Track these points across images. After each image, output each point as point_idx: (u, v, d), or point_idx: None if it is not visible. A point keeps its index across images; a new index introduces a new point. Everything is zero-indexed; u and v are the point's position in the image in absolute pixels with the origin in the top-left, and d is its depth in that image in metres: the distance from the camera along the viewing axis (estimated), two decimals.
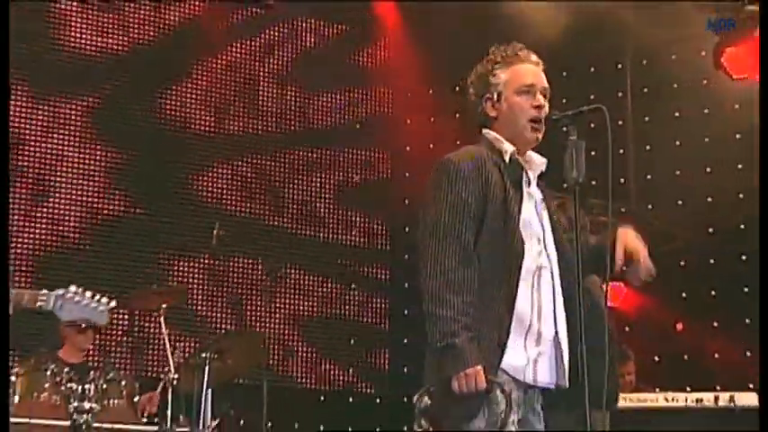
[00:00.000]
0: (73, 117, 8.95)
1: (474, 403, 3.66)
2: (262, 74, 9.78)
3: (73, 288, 3.72)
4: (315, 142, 9.84)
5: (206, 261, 8.43)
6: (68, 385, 6.11)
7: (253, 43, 9.76)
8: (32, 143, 8.77)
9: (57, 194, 8.81)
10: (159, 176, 9.19)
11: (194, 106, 9.44)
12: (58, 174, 8.83)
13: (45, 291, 3.71)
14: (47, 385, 6.16)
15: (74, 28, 9.14)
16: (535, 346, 3.79)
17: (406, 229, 9.53)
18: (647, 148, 8.33)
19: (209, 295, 8.51)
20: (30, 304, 3.71)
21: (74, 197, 8.83)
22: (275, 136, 9.74)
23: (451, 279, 3.71)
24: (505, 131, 3.94)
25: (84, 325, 6.54)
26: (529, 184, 3.95)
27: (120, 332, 7.11)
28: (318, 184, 9.79)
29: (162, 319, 6.43)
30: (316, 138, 9.88)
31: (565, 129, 3.83)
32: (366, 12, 9.69)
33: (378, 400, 9.27)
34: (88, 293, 3.74)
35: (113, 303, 3.83)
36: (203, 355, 6.36)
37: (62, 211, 8.73)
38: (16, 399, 6.08)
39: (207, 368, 6.29)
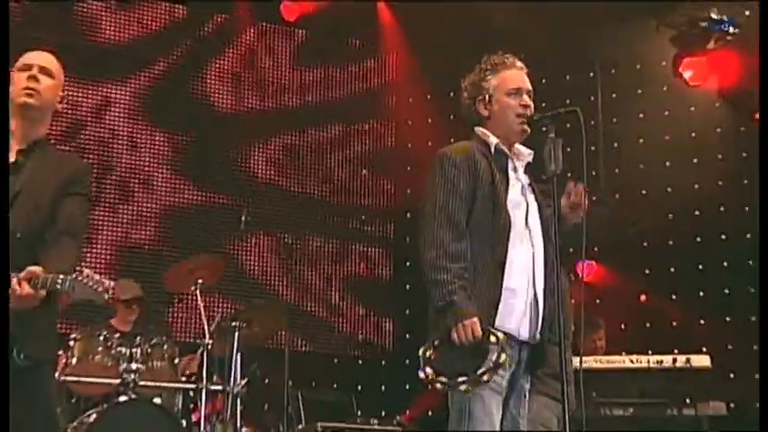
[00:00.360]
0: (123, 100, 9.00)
1: (471, 351, 3.69)
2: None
3: (86, 271, 3.69)
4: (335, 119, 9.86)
5: (234, 241, 8.42)
6: (118, 349, 6.12)
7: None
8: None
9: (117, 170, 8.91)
10: (203, 153, 9.24)
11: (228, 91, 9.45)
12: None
13: (61, 275, 3.65)
14: (100, 349, 6.15)
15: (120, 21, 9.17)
16: (521, 306, 3.85)
17: (408, 191, 9.62)
18: (615, 145, 8.35)
19: (238, 270, 8.53)
20: (51, 287, 3.67)
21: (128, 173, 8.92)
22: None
23: (447, 251, 3.77)
24: (497, 128, 3.99)
25: (130, 300, 6.65)
26: (515, 170, 4.01)
27: (162, 304, 7.11)
28: (337, 156, 9.80)
29: (198, 292, 6.42)
30: (336, 116, 9.89)
31: (544, 128, 3.89)
32: (373, 29, 9.62)
33: (383, 363, 9.28)
34: (96, 277, 3.70)
35: (113, 284, 3.75)
36: (233, 323, 6.38)
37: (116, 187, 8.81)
38: (74, 361, 6.06)
39: (236, 335, 6.31)
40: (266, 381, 7.02)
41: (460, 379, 3.72)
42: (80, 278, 3.66)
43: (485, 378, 3.70)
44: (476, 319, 3.67)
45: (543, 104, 4.12)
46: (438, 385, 3.76)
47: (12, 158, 3.82)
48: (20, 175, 3.80)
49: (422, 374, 3.77)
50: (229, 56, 9.55)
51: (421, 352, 3.78)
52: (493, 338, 3.71)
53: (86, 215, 4.10)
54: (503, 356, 3.69)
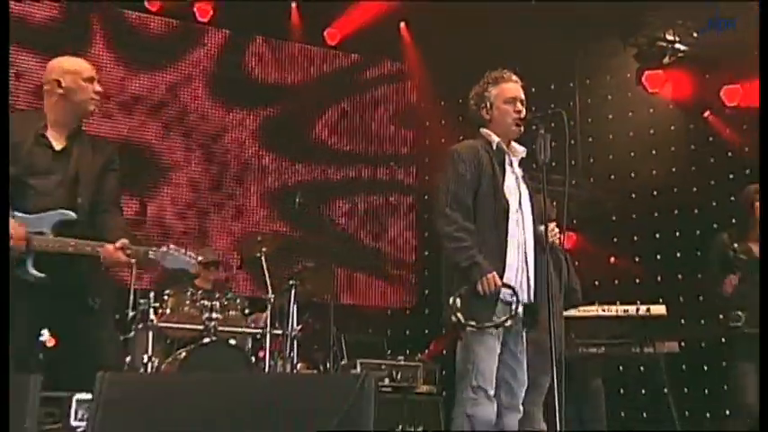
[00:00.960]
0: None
1: (492, 300, 3.76)
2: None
3: (172, 247, 3.76)
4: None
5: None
6: (201, 302, 6.18)
7: None
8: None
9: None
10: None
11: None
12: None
13: (154, 248, 3.72)
14: (187, 303, 6.26)
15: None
16: (517, 274, 3.90)
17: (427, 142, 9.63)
18: (590, 140, 8.34)
19: (294, 239, 8.54)
20: (144, 259, 3.75)
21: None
22: None
23: (460, 226, 3.82)
24: (497, 129, 4.03)
25: (210, 264, 6.73)
26: (511, 164, 4.06)
27: (236, 267, 7.17)
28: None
29: (263, 258, 6.43)
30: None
31: (535, 126, 3.94)
32: (396, 47, 9.62)
33: (407, 312, 9.33)
34: (182, 251, 3.77)
35: (200, 258, 3.89)
36: (290, 282, 6.42)
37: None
38: (168, 311, 6.16)
39: (293, 291, 6.37)
40: (316, 327, 7.07)
41: (488, 324, 3.78)
42: (168, 251, 3.73)
43: (508, 323, 3.78)
44: (495, 274, 3.74)
45: (533, 108, 4.15)
46: (468, 328, 3.80)
47: (60, 146, 3.76)
48: (71, 158, 3.77)
49: (453, 319, 3.78)
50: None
51: (450, 302, 3.79)
52: (509, 290, 3.78)
53: (120, 187, 4.05)
54: (518, 307, 3.78)
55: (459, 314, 3.76)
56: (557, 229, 4.25)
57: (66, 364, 3.87)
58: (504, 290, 3.77)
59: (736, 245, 5.48)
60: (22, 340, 3.57)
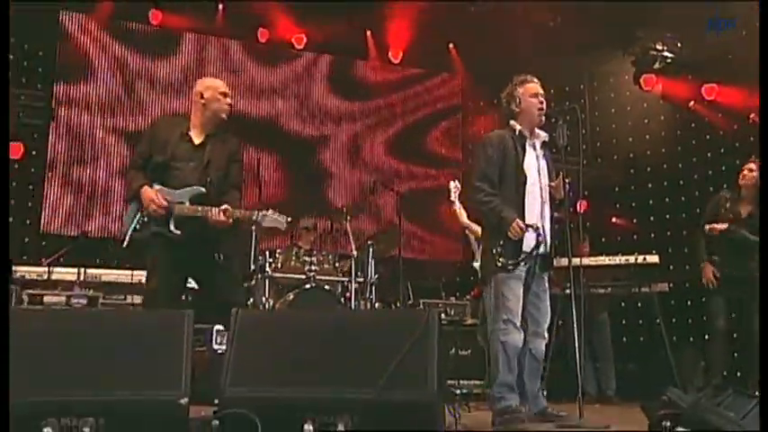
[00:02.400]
0: None
1: (520, 241, 3.78)
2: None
3: (270, 211, 3.87)
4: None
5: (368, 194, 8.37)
6: (303, 258, 6.24)
7: None
8: None
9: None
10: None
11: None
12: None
13: (255, 211, 3.85)
14: (293, 258, 6.29)
15: None
16: (535, 231, 3.87)
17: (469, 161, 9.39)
18: (597, 129, 8.24)
19: (372, 209, 8.57)
20: (247, 220, 3.88)
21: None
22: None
23: (487, 193, 3.86)
24: (523, 119, 3.99)
25: (308, 228, 6.78)
26: (533, 146, 4.01)
27: (326, 231, 7.19)
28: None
29: (348, 224, 6.43)
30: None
31: (554, 119, 3.90)
32: (445, 59, 9.49)
33: (457, 264, 9.28)
34: (275, 214, 3.87)
35: (289, 219, 3.96)
36: (369, 242, 6.46)
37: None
38: (279, 265, 6.20)
39: (370, 249, 6.39)
40: (388, 276, 7.11)
41: (520, 258, 3.78)
42: (266, 214, 3.86)
43: (534, 252, 3.80)
44: (518, 221, 3.74)
45: (552, 104, 4.10)
46: (510, 267, 3.80)
47: (198, 141, 3.90)
48: (206, 150, 3.89)
49: (498, 263, 3.81)
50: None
51: (493, 252, 3.82)
52: (533, 230, 3.78)
53: (242, 173, 4.15)
54: (537, 242, 3.79)
55: (501, 258, 3.79)
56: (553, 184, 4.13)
57: (201, 303, 4.02)
58: (529, 231, 3.77)
59: (728, 204, 5.54)
60: (168, 283, 3.76)
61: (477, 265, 5.23)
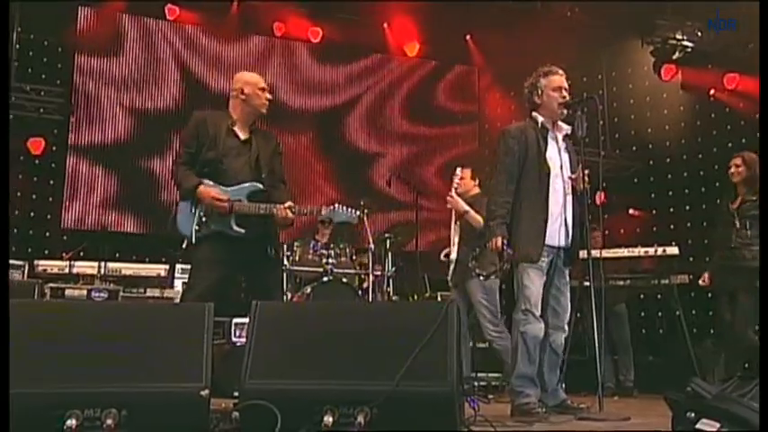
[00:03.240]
0: None
1: (495, 256, 3.86)
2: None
3: (337, 205, 3.87)
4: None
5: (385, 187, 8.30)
6: (321, 251, 6.26)
7: None
8: None
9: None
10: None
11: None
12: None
13: (323, 207, 3.86)
14: (311, 251, 6.34)
15: None
16: (557, 224, 3.86)
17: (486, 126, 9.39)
18: (616, 120, 8.16)
19: (388, 202, 8.56)
20: (317, 214, 3.92)
21: None
22: None
23: (501, 190, 3.81)
24: (545, 111, 3.96)
25: (326, 222, 6.75)
26: (555, 139, 3.99)
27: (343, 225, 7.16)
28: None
29: (366, 219, 6.24)
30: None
31: (573, 110, 3.87)
32: (469, 56, 9.46)
33: None
34: (344, 207, 3.88)
35: (357, 213, 3.97)
36: (386, 235, 6.47)
37: None
38: (297, 258, 6.25)
39: (388, 242, 6.39)
40: (405, 269, 7.10)
41: (491, 271, 3.83)
42: (335, 208, 3.86)
43: (498, 272, 3.87)
44: (500, 238, 3.77)
45: (572, 96, 4.06)
46: (480, 277, 3.87)
47: (244, 137, 3.86)
48: (252, 145, 3.86)
49: (473, 273, 3.88)
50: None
51: (471, 257, 3.89)
52: (506, 252, 3.78)
53: (283, 167, 4.09)
54: (502, 263, 3.87)
55: (476, 267, 3.84)
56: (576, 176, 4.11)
57: (228, 296, 4.01)
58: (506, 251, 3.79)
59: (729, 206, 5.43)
60: (222, 280, 3.71)
61: (453, 257, 5.30)
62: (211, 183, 3.76)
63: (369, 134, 9.30)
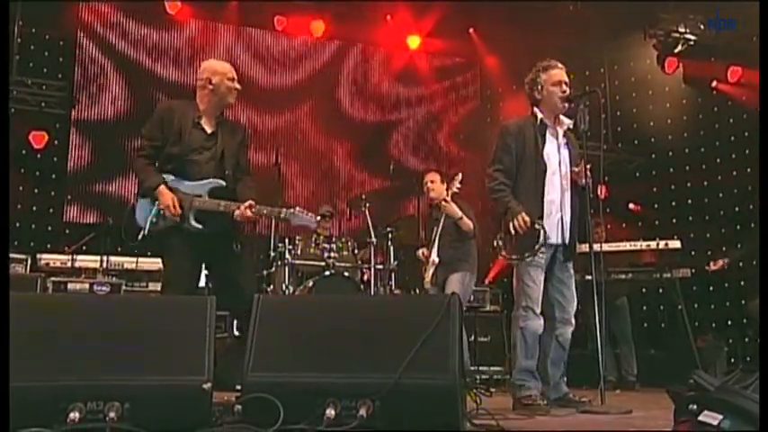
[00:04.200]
0: None
1: (524, 237, 3.74)
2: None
3: (298, 209, 3.71)
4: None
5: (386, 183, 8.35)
6: (322, 245, 6.30)
7: None
8: None
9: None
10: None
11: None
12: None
13: (283, 210, 3.70)
14: (312, 245, 6.36)
15: None
16: (555, 221, 3.84)
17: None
18: (618, 113, 8.15)
19: (389, 197, 8.55)
20: (276, 216, 3.75)
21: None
22: None
23: (500, 182, 3.83)
24: (546, 106, 3.94)
25: (327, 217, 6.78)
26: (555, 134, 3.96)
27: (345, 219, 7.17)
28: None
29: (368, 212, 6.36)
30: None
31: (575, 103, 3.86)
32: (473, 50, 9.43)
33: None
34: (304, 212, 3.71)
35: (318, 218, 3.84)
36: (388, 228, 6.37)
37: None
38: (299, 252, 6.24)
39: (390, 236, 6.31)
40: (407, 262, 7.10)
41: (526, 254, 3.77)
42: (294, 212, 3.70)
43: (540, 252, 3.74)
44: (524, 214, 3.70)
45: (573, 89, 4.05)
46: (511, 261, 3.81)
47: (210, 130, 3.75)
48: (218, 139, 3.75)
49: (501, 257, 3.82)
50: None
51: (495, 243, 3.84)
52: (537, 225, 3.74)
53: (248, 156, 3.99)
54: (543, 238, 3.72)
55: (504, 252, 3.79)
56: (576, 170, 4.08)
57: (217, 293, 3.95)
58: (536, 228, 3.73)
59: None
60: (186, 274, 3.65)
61: (435, 258, 5.39)
62: (172, 178, 3.67)
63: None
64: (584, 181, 3.85)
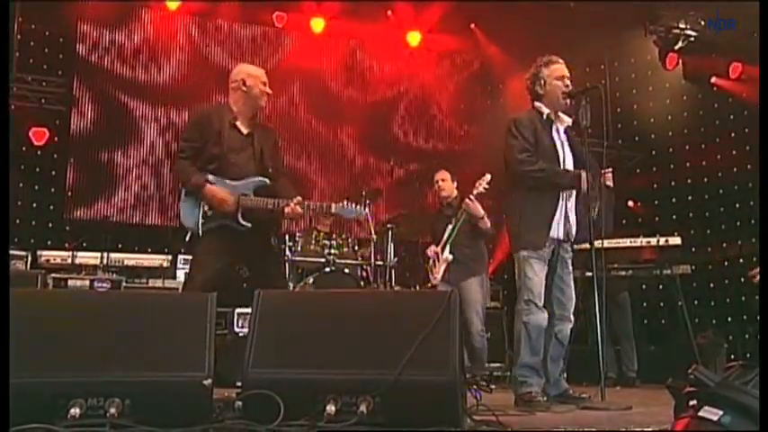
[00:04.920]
0: None
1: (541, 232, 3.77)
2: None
3: (345, 202, 3.86)
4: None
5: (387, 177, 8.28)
6: (323, 241, 6.28)
7: None
8: None
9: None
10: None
11: None
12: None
13: (333, 204, 3.86)
14: (313, 241, 6.35)
15: None
16: (559, 216, 3.84)
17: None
18: (618, 110, 8.14)
19: (390, 194, 8.54)
20: (326, 211, 3.93)
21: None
22: None
23: (533, 162, 3.77)
24: (548, 101, 3.93)
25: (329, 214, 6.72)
26: (558, 131, 3.96)
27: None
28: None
29: (368, 208, 6.39)
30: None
31: (576, 99, 3.85)
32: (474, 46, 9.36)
33: None
34: (354, 205, 3.88)
35: (366, 211, 4.00)
36: (388, 225, 6.43)
37: None
38: (299, 248, 6.24)
39: (390, 232, 6.34)
40: (407, 258, 7.11)
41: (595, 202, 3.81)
42: (346, 206, 3.85)
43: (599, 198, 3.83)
44: (576, 171, 3.81)
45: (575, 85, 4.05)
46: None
47: (246, 131, 3.85)
48: (254, 139, 3.86)
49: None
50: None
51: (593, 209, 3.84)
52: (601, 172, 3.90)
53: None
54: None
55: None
56: (609, 174, 4.13)
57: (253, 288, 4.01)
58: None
59: None
60: (223, 271, 3.76)
61: (448, 256, 5.48)
62: (214, 178, 3.76)
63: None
64: (610, 183, 3.85)
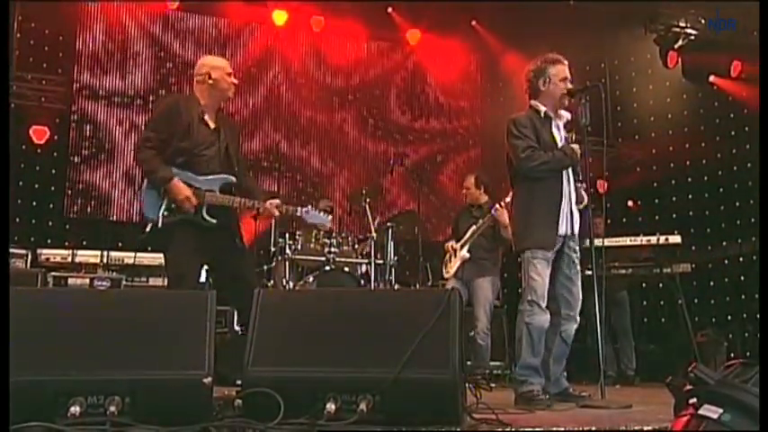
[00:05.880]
0: None
1: (550, 229, 3.79)
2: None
3: (309, 207, 3.89)
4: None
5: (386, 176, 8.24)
6: (323, 240, 6.25)
7: None
8: None
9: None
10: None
11: None
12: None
13: (299, 207, 3.89)
14: (313, 240, 6.30)
15: None
16: (564, 212, 3.83)
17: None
18: (618, 108, 8.12)
19: (389, 192, 8.54)
20: (292, 215, 3.92)
21: None
22: None
23: (540, 156, 3.77)
24: (548, 99, 3.92)
25: (326, 210, 6.72)
26: (557, 128, 3.95)
27: (346, 214, 7.16)
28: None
29: (368, 207, 6.42)
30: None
31: (576, 98, 3.84)
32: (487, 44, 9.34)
33: None
34: (317, 212, 3.91)
35: (330, 217, 4.00)
36: (388, 224, 6.43)
37: None
38: (299, 247, 6.20)
39: (390, 231, 6.35)
40: (407, 257, 7.10)
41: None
42: (308, 211, 3.89)
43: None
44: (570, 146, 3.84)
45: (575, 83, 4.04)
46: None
47: (213, 125, 3.79)
48: (221, 134, 3.80)
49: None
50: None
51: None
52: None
53: None
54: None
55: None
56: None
57: (219, 286, 3.97)
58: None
59: None
60: (192, 268, 3.71)
61: (465, 254, 5.68)
62: (179, 171, 3.68)
63: None
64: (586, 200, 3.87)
